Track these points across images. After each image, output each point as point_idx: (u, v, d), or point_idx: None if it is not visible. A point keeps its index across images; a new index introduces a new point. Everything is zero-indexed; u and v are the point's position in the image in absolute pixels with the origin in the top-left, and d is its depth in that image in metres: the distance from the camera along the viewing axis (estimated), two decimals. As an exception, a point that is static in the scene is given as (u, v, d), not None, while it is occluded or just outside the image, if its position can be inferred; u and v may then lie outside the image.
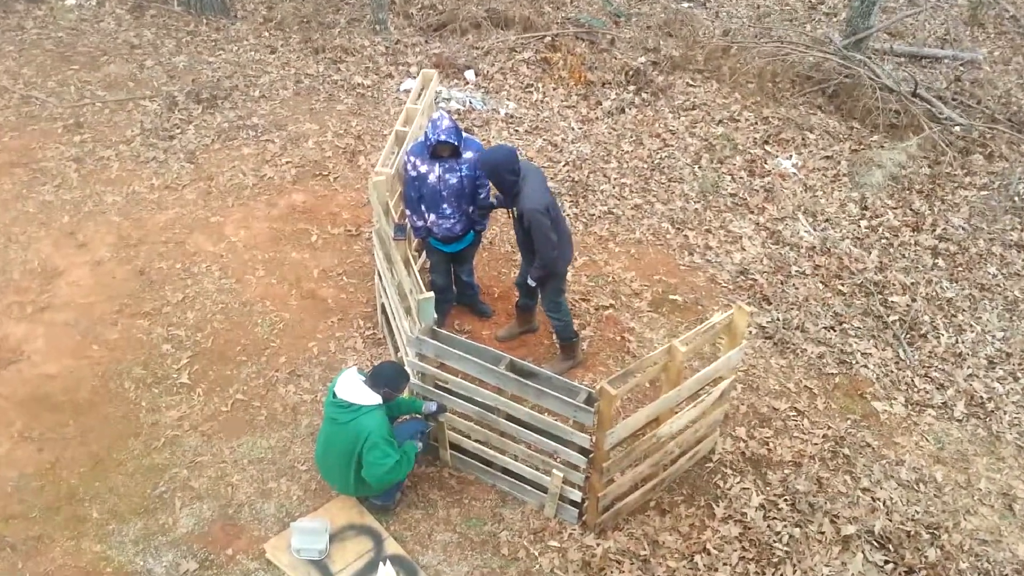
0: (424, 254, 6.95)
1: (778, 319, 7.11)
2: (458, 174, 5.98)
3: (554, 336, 6.55)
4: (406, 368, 5.43)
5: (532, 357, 6.66)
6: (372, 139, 8.87)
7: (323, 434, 5.31)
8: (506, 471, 5.66)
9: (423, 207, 6.16)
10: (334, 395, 5.13)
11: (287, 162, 8.53)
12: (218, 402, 6.25)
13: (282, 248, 7.58)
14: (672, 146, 8.95)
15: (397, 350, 6.41)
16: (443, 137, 5.76)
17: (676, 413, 5.45)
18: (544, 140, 8.96)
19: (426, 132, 5.88)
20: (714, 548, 5.46)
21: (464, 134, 6.03)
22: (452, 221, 6.16)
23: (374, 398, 5.09)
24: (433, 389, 5.57)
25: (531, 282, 6.03)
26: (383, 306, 6.63)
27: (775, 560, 5.44)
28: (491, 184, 5.86)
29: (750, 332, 7.00)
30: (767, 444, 6.15)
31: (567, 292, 6.47)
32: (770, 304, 7.26)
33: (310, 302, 7.10)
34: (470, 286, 6.86)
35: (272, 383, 6.42)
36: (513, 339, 6.80)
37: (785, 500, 5.81)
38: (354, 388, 5.09)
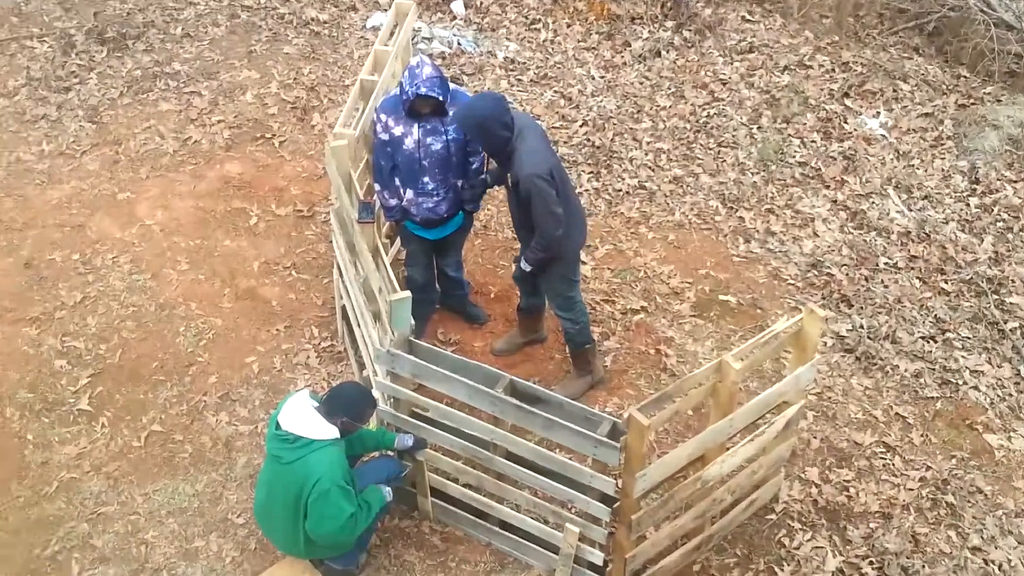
0: (398, 242, 6.95)
1: (861, 326, 7.12)
2: (443, 138, 5.98)
3: (566, 346, 6.58)
4: (372, 391, 5.43)
5: (539, 376, 6.66)
6: (330, 91, 8.87)
7: (265, 477, 5.30)
8: (505, 525, 5.66)
9: (397, 181, 6.16)
10: (278, 425, 5.12)
11: (219, 121, 8.52)
12: (128, 435, 6.26)
13: (212, 234, 7.58)
14: (723, 100, 8.96)
15: (362, 367, 6.41)
16: (423, 90, 5.76)
17: (728, 449, 5.45)
18: (555, 93, 8.96)
19: (401, 83, 5.88)
20: (777, 626, 5.47)
21: (452, 85, 6.03)
22: (435, 199, 6.16)
23: (328, 430, 5.07)
24: (409, 419, 5.56)
25: (525, 266, 6.02)
26: (344, 310, 6.63)
27: (857, 642, 5.45)
28: (483, 143, 5.82)
29: (824, 343, 7.00)
30: (847, 490, 6.15)
31: (581, 288, 6.48)
32: (851, 307, 7.27)
33: (249, 304, 7.09)
34: (458, 283, 6.87)
35: (199, 410, 6.42)
36: (514, 352, 6.80)
37: (871, 564, 5.80)
38: (303, 417, 5.08)
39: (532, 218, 5.80)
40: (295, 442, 5.04)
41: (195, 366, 6.67)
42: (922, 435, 6.50)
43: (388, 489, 5.40)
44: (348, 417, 5.09)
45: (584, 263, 7.26)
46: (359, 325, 6.18)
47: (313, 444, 5.02)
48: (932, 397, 6.72)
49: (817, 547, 5.84)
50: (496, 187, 6.18)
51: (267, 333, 6.91)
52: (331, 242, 7.03)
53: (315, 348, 6.80)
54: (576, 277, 6.23)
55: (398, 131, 5.97)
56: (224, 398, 6.50)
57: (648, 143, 8.50)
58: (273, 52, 9.22)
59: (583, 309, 6.34)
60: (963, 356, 6.96)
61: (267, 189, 7.98)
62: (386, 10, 9.65)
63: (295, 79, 8.95)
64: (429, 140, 5.98)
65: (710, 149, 8.49)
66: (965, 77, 9.36)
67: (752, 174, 8.27)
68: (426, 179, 6.09)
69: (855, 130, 8.71)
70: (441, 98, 5.81)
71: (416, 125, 5.94)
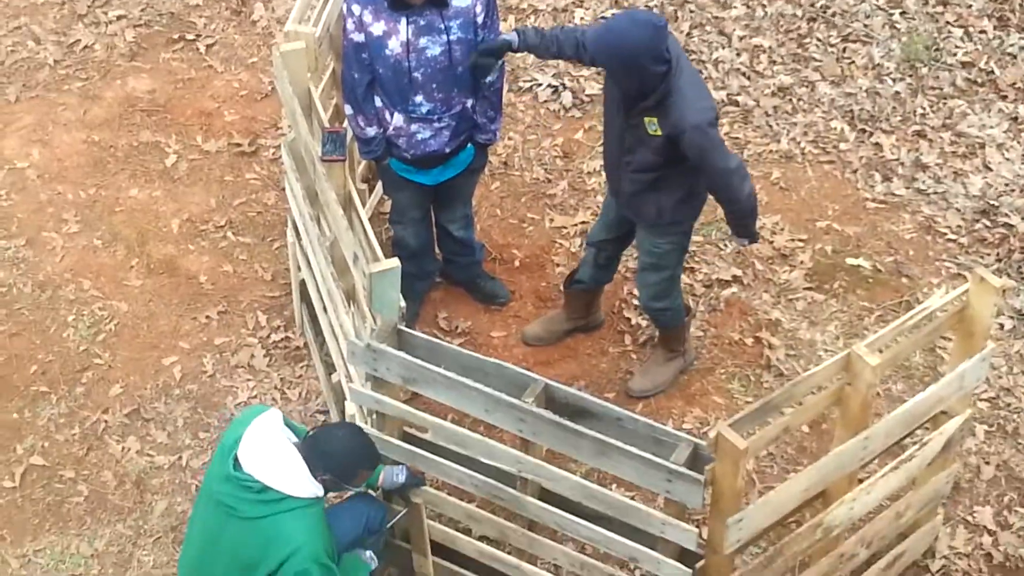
0: (380, 188, 6.95)
1: (1055, 301, 7.10)
2: (443, 38, 5.99)
3: (639, 316, 6.66)
4: (372, 441, 5.38)
5: (587, 379, 6.66)
6: (278, -29, 8.87)
7: (203, 527, 5.32)
8: (539, 595, 5.69)
9: (379, 101, 6.17)
10: (236, 463, 5.15)
11: (119, 18, 8.52)
12: (-3, 471, 6.32)
13: (112, 180, 7.60)
14: (849, -27, 8.90)
15: (331, 370, 6.42)
16: (413, -30, 5.78)
17: (861, 482, 5.45)
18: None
19: (381, -40, 5.89)
20: None
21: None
22: (434, 127, 6.17)
23: (311, 485, 5.11)
24: (399, 443, 5.58)
25: (742, 244, 6.30)
26: (303, 286, 6.64)
27: None
28: (626, 83, 5.79)
29: (1001, 326, 6.97)
30: (1036, 539, 6.17)
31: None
32: (1040, 272, 7.24)
33: (166, 281, 7.11)
34: (467, 247, 6.88)
35: (97, 434, 6.45)
36: (553, 343, 6.83)
37: (1070, 644, 5.80)
38: (277, 460, 5.09)
39: (665, 184, 5.93)
40: (262, 493, 5.05)
41: (91, 371, 6.70)
42: None
43: (370, 554, 5.42)
44: (333, 476, 5.12)
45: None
46: (325, 309, 6.19)
47: (287, 501, 5.04)
48: None
49: (992, 622, 5.85)
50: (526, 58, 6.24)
51: (193, 322, 6.92)
52: (283, 190, 7.04)
53: (262, 342, 6.81)
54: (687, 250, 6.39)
55: (378, 29, 5.97)
56: (133, 417, 6.52)
57: (741, 38, 8.44)
58: (195, -85, 9.22)
59: (680, 290, 6.44)
60: None
61: (190, 114, 7.98)
62: None
63: (227, -46, 8.96)
64: (423, 42, 5.97)
65: (832, 46, 8.43)
66: None
67: (894, 81, 8.22)
68: (419, 98, 6.08)
69: (1045, 14, 8.65)
70: (439, -19, 5.83)
71: (404, 20, 5.93)
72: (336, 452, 5.11)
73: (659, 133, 5.79)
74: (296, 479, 5.07)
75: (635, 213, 6.18)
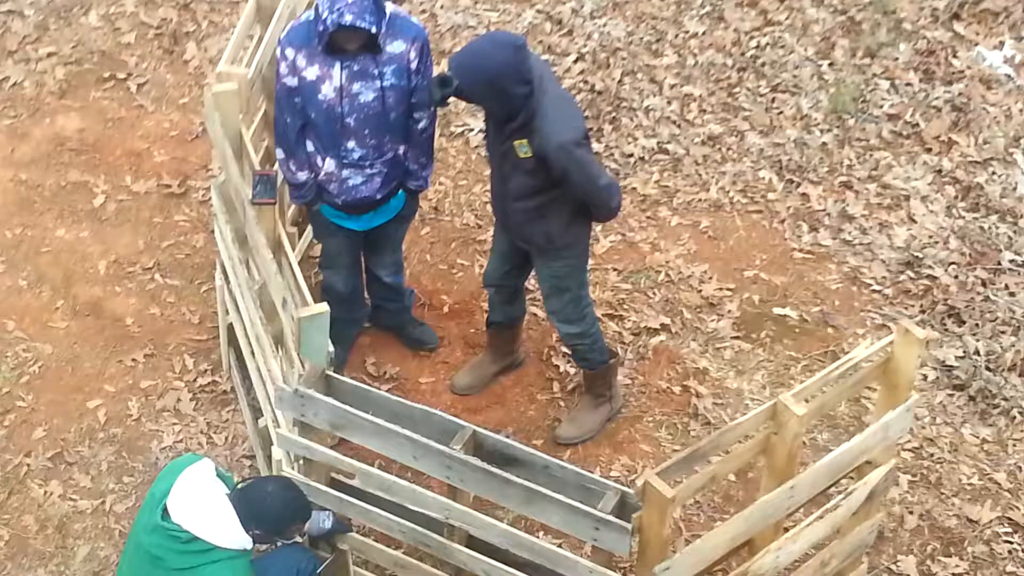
0: (310, 232, 6.93)
1: (977, 352, 7.15)
2: (376, 84, 6.00)
3: (567, 363, 6.63)
4: (303, 494, 5.37)
5: (515, 427, 6.66)
6: (211, 10, 8.85)
7: None
8: (466, 643, 5.66)
9: (310, 145, 6.17)
10: (164, 513, 5.11)
11: (49, 55, 8.48)
12: (-84, 515, 6.24)
13: (38, 220, 7.54)
14: (779, 24, 8.98)
15: (258, 415, 6.39)
16: (349, 18, 5.75)
17: (787, 531, 5.48)
18: (538, 13, 8.96)
19: (317, 5, 5.88)
20: None
21: (391, 8, 6.03)
22: (366, 172, 6.17)
23: (240, 537, 5.08)
24: (326, 489, 5.56)
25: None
26: (231, 330, 6.61)
27: None
28: (490, 105, 5.89)
29: (924, 377, 7.03)
30: (958, 588, 6.21)
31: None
32: (962, 324, 7.30)
33: (92, 323, 7.06)
34: (397, 292, 6.87)
35: (19, 478, 6.39)
36: (482, 388, 6.84)
37: None
38: (207, 511, 5.06)
39: (547, 206, 5.96)
40: (189, 543, 5.03)
41: (13, 413, 6.63)
42: (1065, 508, 6.56)
43: None
44: (265, 531, 5.10)
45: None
46: (253, 353, 6.16)
47: (215, 552, 5.03)
48: (1079, 453, 6.78)
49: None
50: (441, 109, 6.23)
51: (119, 365, 6.87)
52: (213, 232, 7.01)
53: (188, 386, 6.77)
54: (587, 269, 6.38)
55: (311, 73, 5.97)
56: (56, 460, 6.45)
57: (672, 86, 8.51)
58: (127, -46, 9.20)
59: (594, 315, 6.43)
60: (1123, 394, 7.02)
61: (119, 154, 7.93)
62: None
63: (160, -8, 8.94)
64: (356, 87, 5.98)
65: (761, 95, 8.51)
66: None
67: (821, 132, 8.30)
68: (351, 144, 6.09)
69: (968, 68, 8.75)
70: (373, 29, 5.81)
71: (338, 65, 5.94)
72: (267, 509, 5.10)
73: (529, 155, 5.85)
74: (225, 530, 5.04)
75: (526, 241, 6.20)
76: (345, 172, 6.14)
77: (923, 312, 7.32)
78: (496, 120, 5.94)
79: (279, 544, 5.46)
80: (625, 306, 7.23)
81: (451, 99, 5.87)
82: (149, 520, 5.12)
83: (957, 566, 6.26)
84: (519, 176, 5.98)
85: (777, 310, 7.30)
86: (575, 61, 8.60)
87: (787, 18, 9.00)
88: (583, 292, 6.35)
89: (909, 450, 6.67)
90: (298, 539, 5.59)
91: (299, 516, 5.20)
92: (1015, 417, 6.90)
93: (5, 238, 7.40)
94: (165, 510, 5.07)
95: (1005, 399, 6.96)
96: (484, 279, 6.68)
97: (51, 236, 7.44)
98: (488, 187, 7.74)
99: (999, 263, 7.61)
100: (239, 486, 5.19)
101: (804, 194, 7.91)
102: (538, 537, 5.48)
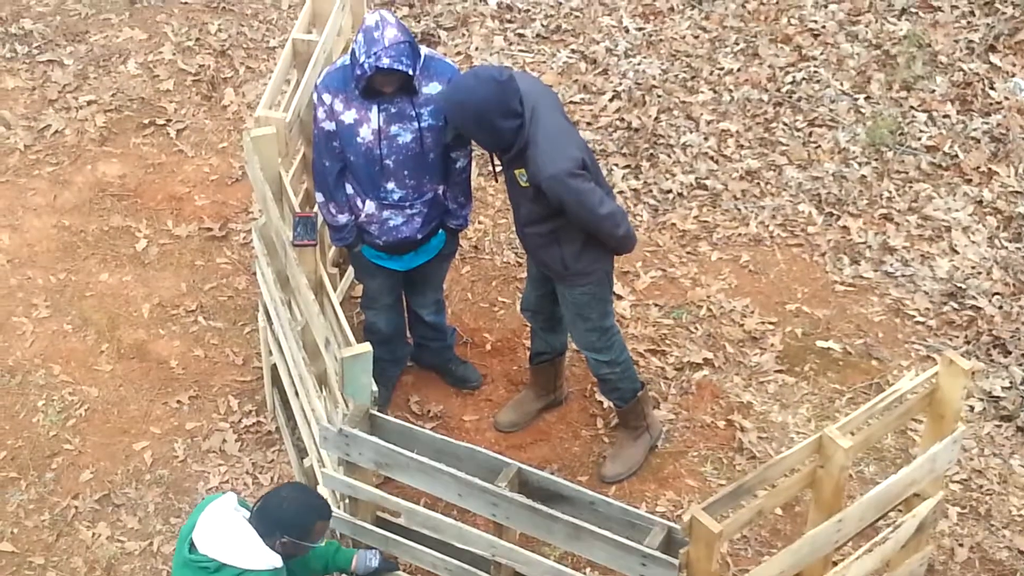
0: (351, 272, 6.96)
1: None
2: (414, 125, 6.02)
3: (603, 401, 6.60)
4: (320, 493, 5.42)
5: (559, 463, 6.65)
6: (248, 56, 8.92)
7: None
8: None
9: (350, 188, 6.20)
10: (191, 546, 5.13)
11: (89, 103, 8.55)
12: (-35, 559, 6.26)
13: (82, 265, 7.60)
14: (814, 59, 9.00)
15: (303, 455, 6.40)
16: (386, 62, 5.79)
17: (835, 565, 5.45)
18: (572, 53, 9.01)
19: (353, 49, 5.92)
20: None
21: (425, 51, 6.08)
22: (406, 213, 6.19)
23: (265, 556, 5.08)
24: (371, 528, 5.56)
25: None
26: (275, 371, 6.63)
27: None
28: (479, 138, 5.93)
29: (971, 408, 7.00)
30: (1009, 621, 6.17)
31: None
32: (1007, 354, 7.27)
33: (137, 366, 7.09)
34: (439, 331, 6.88)
35: (67, 520, 6.41)
36: (525, 425, 6.83)
37: None
38: (230, 535, 5.08)
39: (557, 230, 5.98)
40: (218, 572, 5.04)
41: (61, 456, 6.66)
42: (1115, 538, 6.50)
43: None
44: (290, 536, 5.10)
45: (618, 296, 7.29)
46: (297, 394, 6.18)
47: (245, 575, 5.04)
48: None
49: None
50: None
51: (164, 407, 6.89)
52: (254, 274, 7.04)
53: (233, 427, 6.79)
54: (611, 299, 6.35)
55: (349, 117, 6.00)
56: (103, 502, 6.47)
57: (709, 122, 8.52)
58: (167, 2, 9.27)
59: (622, 344, 6.41)
60: None
61: (160, 199, 7.99)
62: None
63: (198, 40, 9.00)
64: (394, 129, 6.00)
65: (798, 130, 8.51)
66: None
67: (859, 165, 8.29)
68: (391, 185, 6.11)
69: (1006, 99, 8.74)
70: (410, 71, 5.84)
71: (375, 108, 5.97)
72: (287, 513, 5.09)
73: (528, 185, 5.89)
74: (250, 551, 5.04)
75: (544, 266, 6.24)
76: (385, 213, 6.16)
77: (968, 343, 7.30)
78: (495, 151, 5.98)
79: (313, 569, 5.48)
80: (667, 341, 7.23)
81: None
82: (179, 556, 5.15)
83: (1008, 599, 6.23)
84: (525, 203, 6.03)
85: (820, 343, 7.28)
86: (611, 99, 8.63)
87: (821, 53, 9.01)
88: (607, 323, 6.33)
89: (958, 482, 6.64)
90: (344, 577, 5.62)
91: (320, 514, 5.17)
92: (1063, 447, 6.87)
93: (50, 283, 7.45)
94: (192, 544, 5.09)
95: (1053, 429, 6.93)
96: (521, 305, 6.71)
97: (95, 280, 7.49)
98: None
99: (1043, 293, 7.60)
100: (254, 506, 5.20)
101: (844, 227, 7.91)
102: (584, 574, 5.47)
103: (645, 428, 6.64)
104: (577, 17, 9.27)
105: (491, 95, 5.72)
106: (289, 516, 5.09)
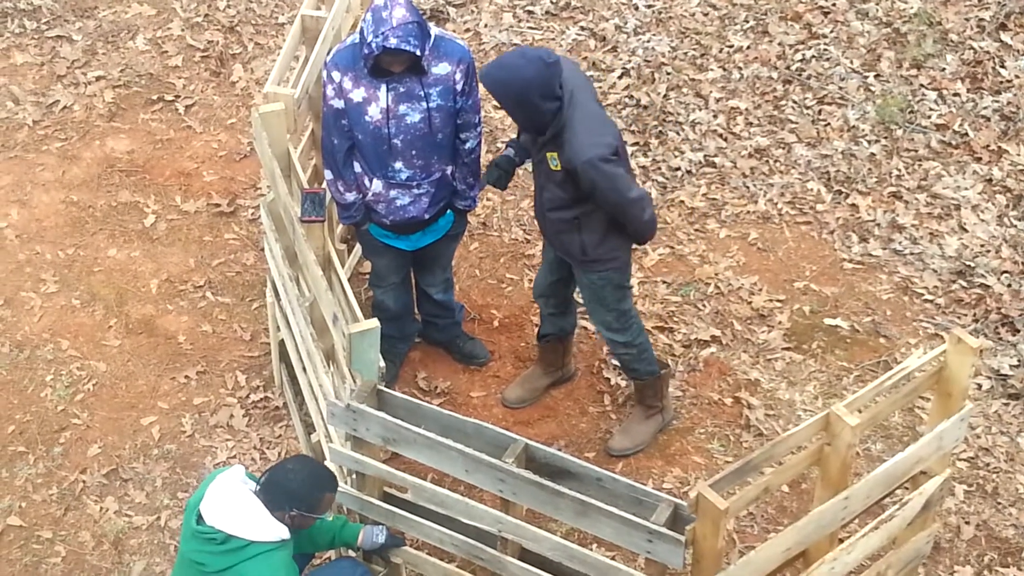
0: (359, 251, 6.96)
1: (1032, 361, 7.15)
2: (422, 105, 6.02)
3: (618, 376, 6.61)
4: (327, 466, 5.44)
5: (566, 439, 6.67)
6: (257, 33, 8.93)
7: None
8: (520, 656, 5.66)
9: (358, 166, 6.20)
10: (199, 518, 5.15)
11: (98, 79, 8.57)
12: (-27, 533, 6.29)
13: (90, 240, 7.62)
14: (824, 36, 8.99)
15: (311, 430, 6.41)
16: (394, 42, 5.78)
17: (841, 542, 5.46)
18: (581, 30, 9.00)
19: (361, 28, 5.92)
20: None
21: (435, 30, 6.07)
22: (413, 193, 6.20)
23: (273, 528, 5.10)
24: (378, 503, 5.58)
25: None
26: (282, 347, 6.65)
27: None
28: (517, 117, 5.95)
29: (978, 386, 7.01)
30: (1015, 599, 6.17)
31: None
32: (1016, 332, 7.28)
33: (145, 341, 7.12)
34: (447, 309, 6.90)
35: (75, 495, 6.44)
36: (533, 401, 6.86)
37: None
38: (237, 508, 5.11)
39: (580, 217, 6.02)
40: (225, 543, 5.07)
41: (69, 431, 6.69)
42: (1123, 517, 6.51)
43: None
44: (298, 509, 5.11)
45: (629, 274, 7.30)
46: (305, 369, 6.19)
47: (251, 548, 5.05)
48: None
49: None
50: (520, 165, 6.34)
51: (172, 382, 6.92)
52: (262, 250, 7.05)
53: (241, 403, 6.82)
54: (630, 283, 6.37)
55: (358, 96, 6.00)
56: (111, 477, 6.50)
57: (718, 100, 8.52)
58: (175, -23, 9.29)
59: (640, 325, 6.44)
60: None
61: (168, 175, 8.01)
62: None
63: (207, 16, 9.01)
64: (403, 109, 6.00)
65: (807, 108, 8.51)
66: None
67: (869, 143, 8.29)
68: (399, 164, 6.11)
69: (1016, 77, 8.73)
70: (419, 52, 5.84)
71: (384, 87, 5.97)
72: (294, 484, 5.12)
73: (559, 168, 5.91)
74: (258, 523, 5.07)
75: (564, 252, 6.25)
76: (393, 192, 6.17)
77: (976, 321, 7.31)
78: (529, 132, 6.01)
79: (330, 555, 5.49)
80: (675, 318, 7.24)
81: (496, 114, 5.91)
82: (186, 528, 5.18)
83: (1014, 577, 6.24)
84: (552, 188, 6.04)
85: (828, 321, 7.29)
86: (620, 77, 8.63)
87: (832, 31, 8.99)
88: (625, 306, 6.36)
89: (965, 460, 6.65)
90: (352, 553, 5.63)
91: (327, 486, 5.21)
92: (1071, 426, 6.87)
93: (58, 258, 7.47)
94: (200, 516, 5.12)
95: (1060, 408, 6.93)
96: (533, 290, 6.72)
97: (103, 256, 7.51)
98: (535, 201, 7.83)
99: (1052, 271, 7.59)
100: (261, 478, 5.21)
101: (853, 205, 7.91)
102: (591, 550, 5.48)
103: (659, 410, 6.67)
104: (587, -6, 9.28)
105: (536, 75, 5.74)
106: (296, 488, 5.12)
